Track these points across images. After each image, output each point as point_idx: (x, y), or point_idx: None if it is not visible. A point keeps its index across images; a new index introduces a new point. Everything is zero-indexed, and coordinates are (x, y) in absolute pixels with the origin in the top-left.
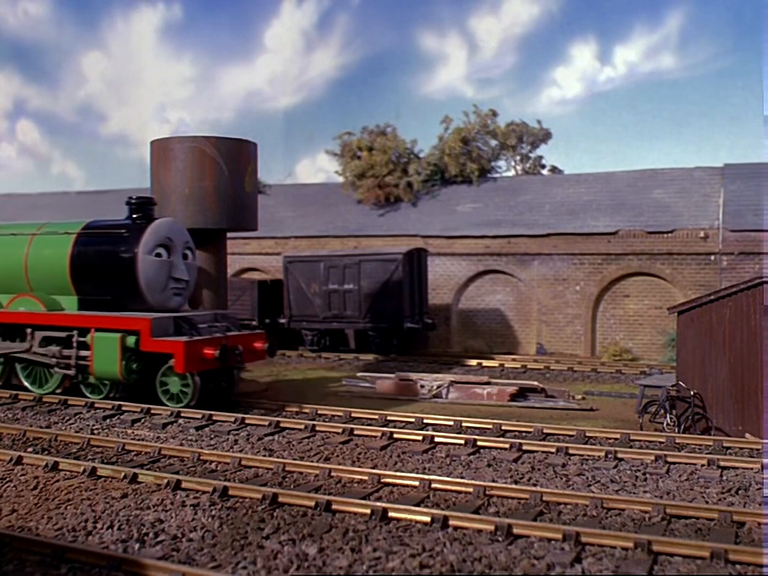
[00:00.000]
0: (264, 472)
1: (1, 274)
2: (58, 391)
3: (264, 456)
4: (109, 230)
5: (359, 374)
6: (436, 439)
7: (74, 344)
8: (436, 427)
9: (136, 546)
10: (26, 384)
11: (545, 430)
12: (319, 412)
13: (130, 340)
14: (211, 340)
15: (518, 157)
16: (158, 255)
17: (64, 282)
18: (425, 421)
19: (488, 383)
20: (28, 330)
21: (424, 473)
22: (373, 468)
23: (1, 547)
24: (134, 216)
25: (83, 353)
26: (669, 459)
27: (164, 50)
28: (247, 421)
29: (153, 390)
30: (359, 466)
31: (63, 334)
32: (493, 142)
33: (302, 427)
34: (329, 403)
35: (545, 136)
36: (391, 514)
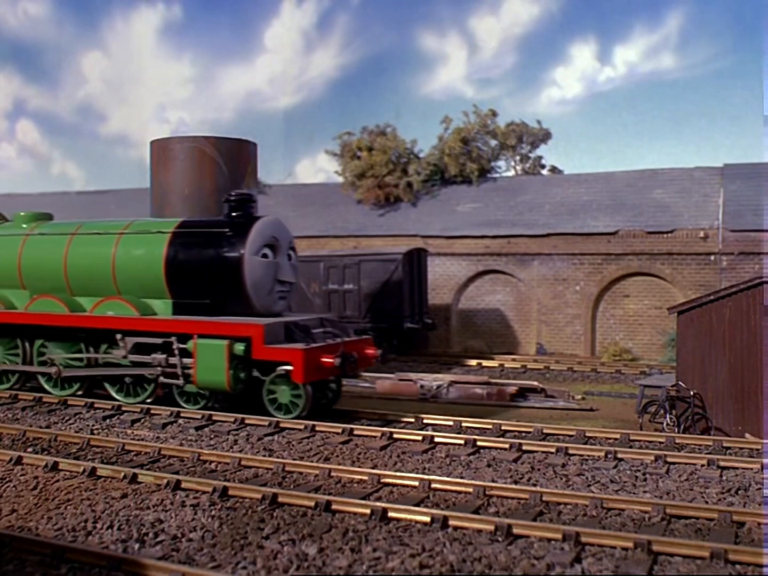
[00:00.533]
0: (264, 472)
1: (85, 276)
2: (149, 401)
3: (264, 456)
4: (211, 229)
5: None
6: (436, 439)
7: (175, 351)
8: (436, 427)
9: (136, 546)
10: (113, 393)
11: (545, 430)
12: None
13: (239, 348)
14: (330, 347)
15: (518, 157)
16: (264, 256)
17: (157, 284)
18: (425, 421)
19: (488, 383)
20: (119, 336)
21: (424, 473)
22: (373, 468)
23: (1, 547)
24: (233, 214)
25: (184, 361)
26: (669, 459)
27: (164, 50)
28: (246, 422)
29: (254, 400)
30: (359, 466)
31: (159, 341)
32: (493, 142)
33: (302, 427)
34: None
35: (545, 136)
36: (391, 514)
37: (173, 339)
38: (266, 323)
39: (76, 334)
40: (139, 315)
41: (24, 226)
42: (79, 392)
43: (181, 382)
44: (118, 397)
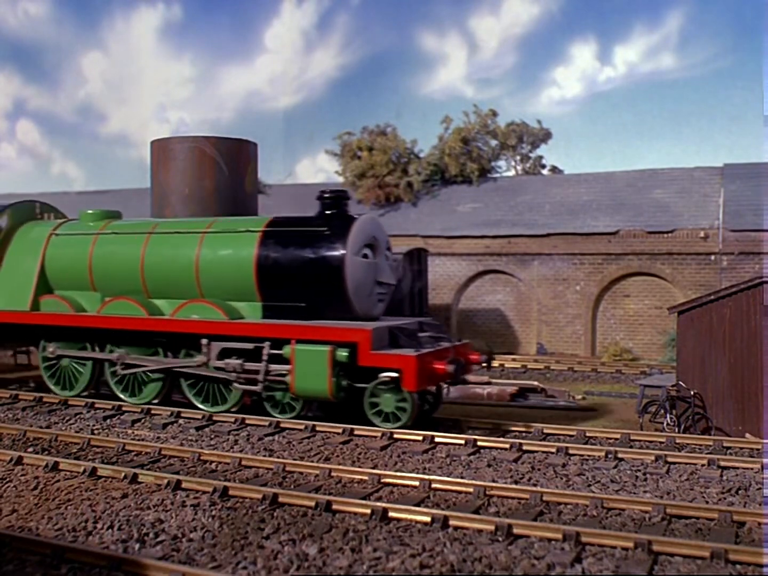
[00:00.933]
0: (264, 472)
1: (165, 277)
2: (234, 409)
3: (264, 456)
4: (307, 228)
5: None
6: (436, 439)
7: (265, 358)
8: (436, 427)
9: (136, 546)
10: (193, 401)
11: (545, 430)
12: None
13: (342, 354)
14: (440, 352)
15: (518, 157)
16: (365, 256)
17: (247, 286)
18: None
19: (488, 383)
20: (204, 341)
21: (424, 473)
22: (373, 468)
23: (1, 547)
24: (327, 212)
25: (276, 368)
26: (669, 459)
27: (164, 50)
28: (247, 422)
29: (349, 407)
30: (359, 466)
31: (249, 346)
32: (493, 142)
33: (302, 427)
34: None
35: (545, 136)
36: (391, 514)
37: (266, 344)
38: (374, 328)
39: (154, 339)
40: (227, 319)
41: (91, 224)
42: (155, 400)
43: (258, 388)
44: (202, 406)
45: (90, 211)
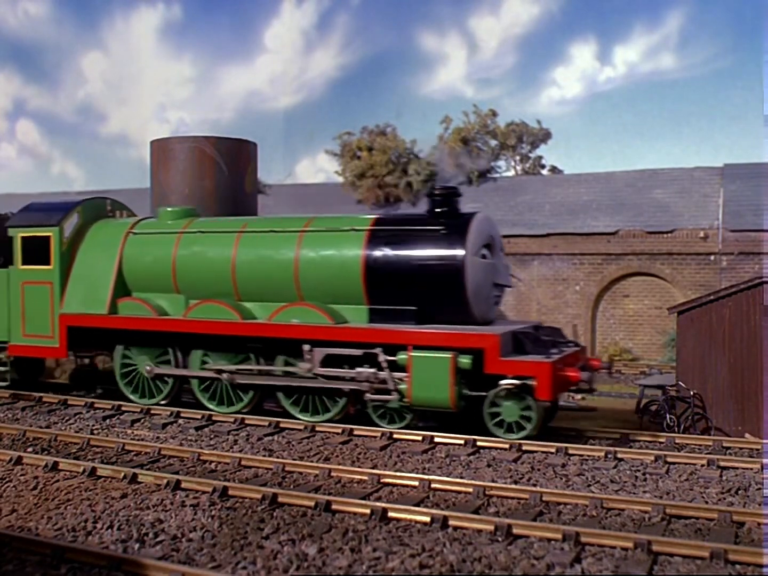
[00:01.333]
0: (264, 473)
1: (260, 279)
2: (337, 417)
3: (264, 456)
4: (421, 227)
5: None
6: (436, 440)
7: (384, 365)
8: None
9: (136, 546)
10: (291, 411)
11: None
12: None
13: (464, 361)
14: (569, 358)
15: (518, 157)
16: (483, 257)
17: (353, 289)
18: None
19: None
20: (306, 347)
21: (423, 473)
22: (372, 468)
23: (1, 547)
24: (438, 210)
25: (395, 375)
26: (669, 459)
27: (164, 50)
28: (246, 422)
29: (467, 417)
30: (359, 466)
31: (358, 352)
32: (493, 142)
33: (302, 427)
34: None
35: (545, 136)
36: (390, 514)
37: (378, 350)
38: (501, 333)
39: (246, 344)
40: (333, 323)
41: (169, 222)
42: (245, 409)
43: (396, 397)
44: (301, 417)
45: (169, 209)
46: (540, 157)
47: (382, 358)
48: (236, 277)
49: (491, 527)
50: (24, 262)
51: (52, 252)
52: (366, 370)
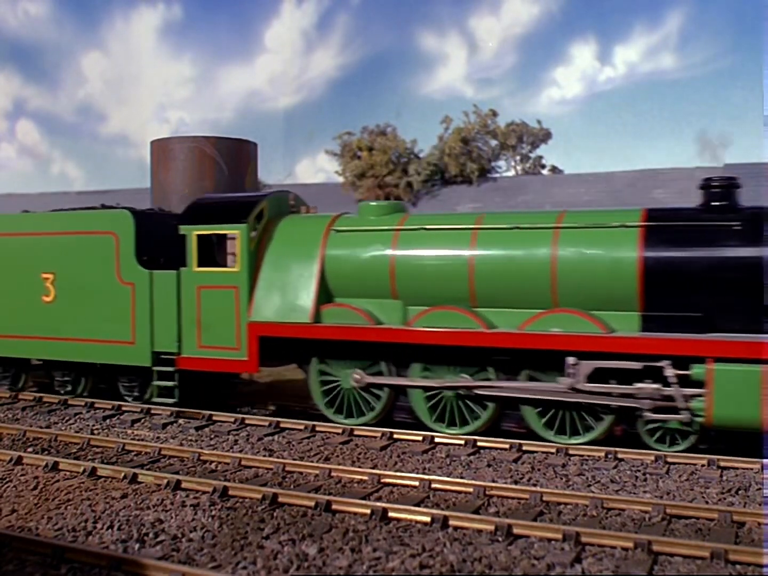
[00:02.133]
0: (264, 472)
1: (507, 282)
2: (600, 438)
3: (264, 456)
4: (710, 222)
5: None
6: (436, 440)
7: (674, 380)
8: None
9: (136, 546)
10: (538, 430)
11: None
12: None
13: None
14: None
15: (518, 157)
16: None
17: (626, 294)
18: None
19: None
20: (571, 360)
21: (424, 473)
22: (373, 468)
23: (1, 547)
24: (714, 204)
25: (686, 391)
26: (669, 459)
27: (164, 50)
28: (246, 422)
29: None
30: (359, 466)
31: (637, 365)
32: (493, 142)
33: (302, 427)
34: None
35: (545, 136)
36: (391, 514)
37: (665, 363)
38: None
39: (489, 357)
40: (605, 333)
41: (373, 218)
42: (480, 429)
43: (687, 418)
44: (553, 438)
45: (373, 204)
46: (540, 157)
47: (671, 372)
48: (475, 280)
49: (491, 527)
50: (200, 264)
51: (238, 252)
52: (648, 386)
